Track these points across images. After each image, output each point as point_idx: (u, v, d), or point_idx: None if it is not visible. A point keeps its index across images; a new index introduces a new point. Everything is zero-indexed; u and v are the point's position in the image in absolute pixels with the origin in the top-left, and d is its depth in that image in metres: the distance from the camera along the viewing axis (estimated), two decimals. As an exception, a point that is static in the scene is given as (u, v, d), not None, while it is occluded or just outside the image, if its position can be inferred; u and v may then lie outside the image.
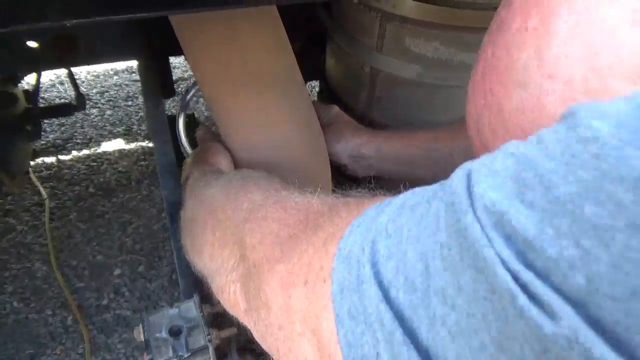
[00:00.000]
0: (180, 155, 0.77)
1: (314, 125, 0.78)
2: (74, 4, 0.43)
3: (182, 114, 0.86)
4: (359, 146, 0.84)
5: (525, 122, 0.26)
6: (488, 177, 0.22)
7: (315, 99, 1.25)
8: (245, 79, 0.71)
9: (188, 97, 0.86)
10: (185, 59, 0.84)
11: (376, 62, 0.92)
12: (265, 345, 0.40)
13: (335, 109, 0.92)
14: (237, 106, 0.72)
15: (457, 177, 0.24)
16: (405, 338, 0.24)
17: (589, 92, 0.23)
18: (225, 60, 0.71)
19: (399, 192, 0.32)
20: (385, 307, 0.25)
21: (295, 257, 0.35)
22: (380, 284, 0.26)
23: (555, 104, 0.24)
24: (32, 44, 1.00)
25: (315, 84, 1.42)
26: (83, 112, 2.11)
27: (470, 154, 0.73)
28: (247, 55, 0.72)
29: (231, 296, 0.45)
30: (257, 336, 0.42)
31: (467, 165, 0.24)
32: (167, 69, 1.18)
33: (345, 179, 0.92)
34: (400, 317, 0.24)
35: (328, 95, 1.08)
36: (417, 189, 0.29)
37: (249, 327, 0.44)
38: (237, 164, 0.75)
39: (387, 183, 0.96)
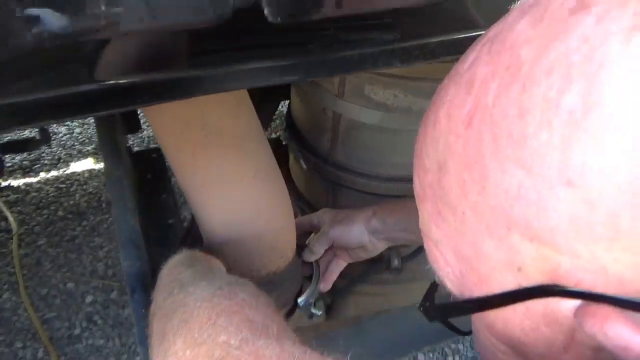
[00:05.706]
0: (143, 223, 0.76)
1: (277, 181, 0.79)
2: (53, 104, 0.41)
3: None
4: (370, 219, 0.84)
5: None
6: None
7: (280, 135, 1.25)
8: (205, 141, 0.72)
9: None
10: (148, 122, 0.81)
11: (338, 107, 0.93)
12: None
13: (327, 211, 0.91)
14: (198, 170, 0.72)
15: None
16: None
17: None
18: (185, 120, 0.72)
19: None
20: None
21: None
22: None
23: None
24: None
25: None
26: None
27: None
28: (206, 115, 0.72)
29: None
30: None
31: None
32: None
33: None
34: None
35: (292, 134, 1.09)
36: None
37: None
38: (200, 227, 0.76)
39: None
